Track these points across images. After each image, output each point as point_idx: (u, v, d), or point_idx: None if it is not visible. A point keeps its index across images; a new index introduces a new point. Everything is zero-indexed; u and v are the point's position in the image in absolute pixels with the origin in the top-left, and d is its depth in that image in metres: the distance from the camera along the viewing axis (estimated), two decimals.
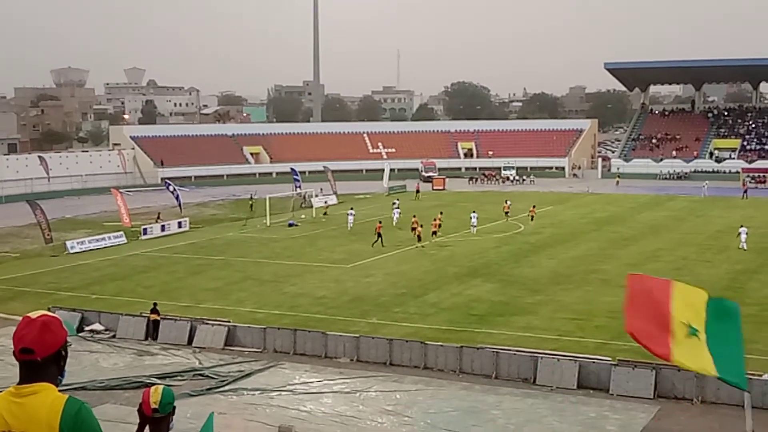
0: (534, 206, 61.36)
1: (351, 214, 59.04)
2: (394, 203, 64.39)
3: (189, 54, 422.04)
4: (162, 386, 5.06)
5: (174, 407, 4.99)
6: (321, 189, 76.89)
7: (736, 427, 21.32)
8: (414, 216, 55.42)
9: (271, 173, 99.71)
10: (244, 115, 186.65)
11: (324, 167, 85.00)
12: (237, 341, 29.71)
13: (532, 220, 58.79)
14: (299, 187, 75.69)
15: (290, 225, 60.56)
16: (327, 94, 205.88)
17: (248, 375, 26.28)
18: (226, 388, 25.03)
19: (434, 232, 50.50)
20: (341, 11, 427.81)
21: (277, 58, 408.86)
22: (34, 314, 3.88)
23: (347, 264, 44.55)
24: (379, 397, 24.02)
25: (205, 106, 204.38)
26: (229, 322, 30.77)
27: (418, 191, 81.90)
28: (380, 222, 52.50)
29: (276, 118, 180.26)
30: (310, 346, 28.47)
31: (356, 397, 24.16)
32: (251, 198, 71.06)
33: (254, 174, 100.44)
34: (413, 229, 51.15)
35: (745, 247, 46.78)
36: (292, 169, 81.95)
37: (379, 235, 49.91)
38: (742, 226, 48.57)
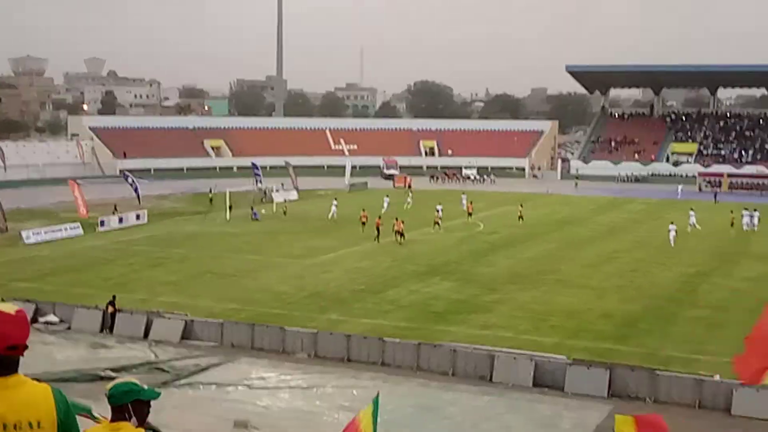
0: (522, 205, 61.92)
1: (334, 204, 61.48)
2: (408, 197, 70.10)
3: (150, 45, 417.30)
4: (126, 380, 4.94)
5: (127, 405, 4.83)
6: (282, 184, 76.61)
7: (687, 427, 21.69)
8: (363, 210, 55.89)
9: (231, 167, 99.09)
10: (206, 108, 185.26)
11: (285, 162, 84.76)
12: (194, 335, 29.51)
13: (520, 219, 59.11)
14: (260, 181, 75.35)
15: (254, 216, 60.41)
16: (290, 89, 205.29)
17: (204, 369, 26.11)
18: (182, 382, 24.84)
19: (399, 232, 50.24)
20: (306, 6, 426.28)
21: (240, 51, 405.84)
22: (5, 307, 3.87)
23: (307, 259, 44.47)
24: (335, 393, 24.02)
25: (166, 98, 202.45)
26: (186, 315, 30.55)
27: (409, 186, 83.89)
28: (379, 217, 52.99)
29: (238, 112, 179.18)
30: (267, 341, 28.38)
31: (313, 393, 24.15)
32: (210, 192, 70.54)
33: (215, 168, 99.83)
34: (362, 223, 53.71)
35: (673, 245, 49.02)
36: (253, 163, 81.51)
37: (378, 229, 50.35)
38: (672, 223, 50.72)
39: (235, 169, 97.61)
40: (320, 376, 25.61)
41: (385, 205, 64.31)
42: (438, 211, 57.90)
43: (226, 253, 46.28)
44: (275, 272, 40.96)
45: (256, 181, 75.69)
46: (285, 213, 62.60)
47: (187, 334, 29.49)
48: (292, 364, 26.75)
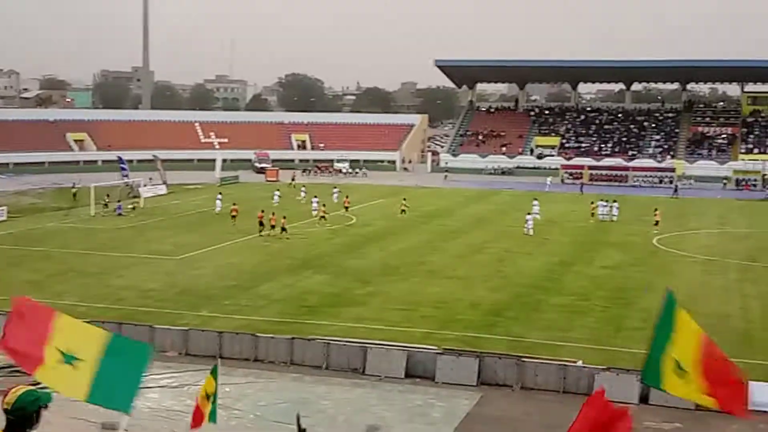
0: (405, 199, 62.51)
1: (219, 198, 61.10)
2: (303, 190, 69.11)
3: (8, 34, 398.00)
4: (24, 389, 4.75)
5: (32, 412, 4.68)
6: (150, 178, 74.80)
7: (553, 412, 22.53)
8: (234, 204, 55.44)
9: (96, 161, 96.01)
10: (68, 100, 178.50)
11: (153, 156, 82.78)
12: None
13: (403, 212, 59.59)
14: (126, 176, 73.35)
15: (118, 211, 58.79)
16: (157, 81, 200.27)
17: None
18: (46, 385, 23.90)
19: (273, 226, 50.13)
20: None
21: (104, 41, 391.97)
22: None
23: (177, 256, 43.61)
24: None
25: (26, 89, 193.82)
26: None
27: (293, 179, 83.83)
28: (262, 210, 52.16)
29: (102, 105, 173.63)
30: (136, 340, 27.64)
31: (184, 392, 23.73)
32: (74, 186, 68.14)
33: (78, 162, 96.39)
34: (233, 216, 53.77)
35: (531, 233, 51.08)
36: (119, 157, 79.27)
37: (261, 222, 50.01)
38: (529, 214, 53.31)
39: (99, 162, 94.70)
40: (191, 374, 25.18)
41: (276, 199, 64.14)
42: (314, 203, 58.28)
43: (91, 251, 44.83)
44: (143, 269, 39.98)
45: (123, 175, 73.68)
46: (134, 209, 60.61)
47: None
48: (162, 363, 26.16)
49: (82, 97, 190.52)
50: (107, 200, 60.54)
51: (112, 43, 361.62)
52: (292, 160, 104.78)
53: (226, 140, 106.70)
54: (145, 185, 70.74)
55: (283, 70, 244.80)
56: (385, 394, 23.83)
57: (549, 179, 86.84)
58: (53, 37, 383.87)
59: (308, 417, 22.00)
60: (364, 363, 25.63)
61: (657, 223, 55.09)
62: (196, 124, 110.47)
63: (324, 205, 57.23)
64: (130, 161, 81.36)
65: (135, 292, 34.98)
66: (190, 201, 67.41)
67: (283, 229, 49.50)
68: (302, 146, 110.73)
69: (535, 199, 61.01)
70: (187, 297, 34.28)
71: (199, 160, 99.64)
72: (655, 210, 57.50)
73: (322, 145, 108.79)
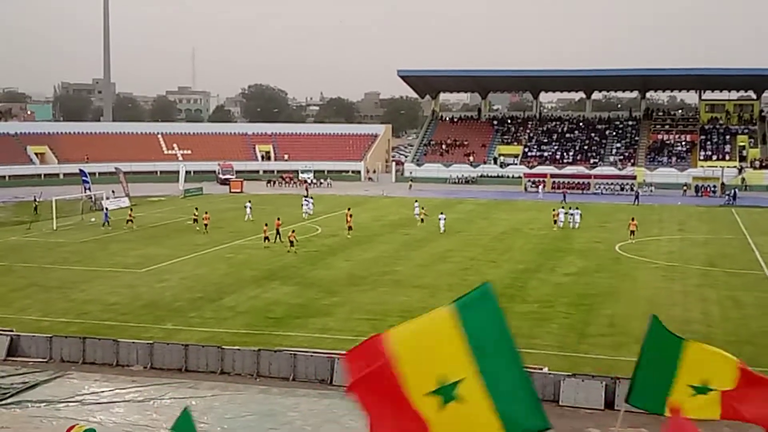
0: (423, 208, 63.35)
1: (248, 206, 62.75)
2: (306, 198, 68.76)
3: None
4: (86, 427, 4.83)
5: None
6: (113, 191, 74.20)
7: None
8: (206, 213, 55.46)
9: (58, 174, 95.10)
10: (28, 113, 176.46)
11: (116, 168, 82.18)
12: (20, 351, 28.13)
13: (422, 221, 60.64)
14: (89, 189, 72.71)
15: (105, 219, 59.35)
16: (118, 93, 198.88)
17: (33, 386, 24.97)
18: (9, 401, 23.66)
19: (266, 238, 50.09)
20: (133, 7, 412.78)
21: (65, 54, 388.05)
22: None
23: (141, 268, 43.28)
24: (173, 405, 23.55)
25: None
26: (11, 331, 29.07)
27: (306, 189, 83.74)
28: (279, 218, 53.15)
29: (63, 117, 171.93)
30: (100, 354, 27.45)
31: (150, 406, 23.58)
32: (35, 200, 67.38)
33: (39, 175, 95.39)
34: (205, 225, 55.45)
35: (443, 230, 55.40)
36: (80, 170, 78.56)
37: (278, 231, 50.81)
38: (441, 213, 58.35)
39: (61, 176, 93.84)
40: (157, 388, 25.03)
41: (308, 208, 65.72)
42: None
43: (53, 265, 44.34)
44: (107, 283, 39.62)
45: (85, 188, 73.04)
46: (132, 221, 59.08)
47: (12, 350, 28.06)
48: (127, 378, 26.00)
49: (43, 109, 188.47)
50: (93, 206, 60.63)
51: (72, 55, 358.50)
52: (257, 171, 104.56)
53: (189, 152, 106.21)
54: (107, 198, 70.15)
55: (246, 81, 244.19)
56: (353, 405, 23.82)
57: (540, 187, 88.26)
58: (13, 49, 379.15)
59: (276, 429, 22.00)
60: (331, 374, 25.64)
61: (633, 232, 53.54)
62: (159, 136, 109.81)
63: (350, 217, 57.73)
64: (92, 174, 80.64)
65: (98, 306, 34.68)
66: (153, 213, 66.94)
67: (291, 242, 48.84)
68: (266, 157, 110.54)
69: (416, 201, 65.78)
70: (151, 310, 34.05)
71: (162, 172, 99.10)
72: (632, 219, 55.91)
73: (286, 156, 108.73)
